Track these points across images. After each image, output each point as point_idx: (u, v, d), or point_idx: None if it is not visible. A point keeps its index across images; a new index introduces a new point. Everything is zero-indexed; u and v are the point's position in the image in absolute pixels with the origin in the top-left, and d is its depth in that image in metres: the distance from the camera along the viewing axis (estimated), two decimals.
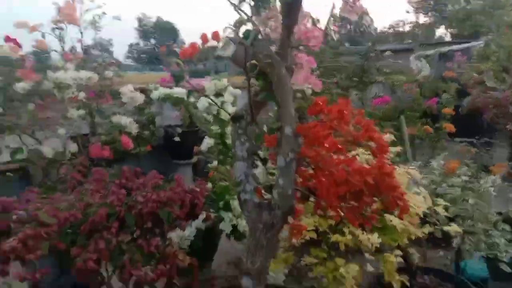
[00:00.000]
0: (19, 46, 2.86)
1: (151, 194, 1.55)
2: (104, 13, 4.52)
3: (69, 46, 4.08)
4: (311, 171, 1.21)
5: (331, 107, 1.32)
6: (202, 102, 1.98)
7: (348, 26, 63.68)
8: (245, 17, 1.10)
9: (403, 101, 4.58)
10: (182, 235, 2.08)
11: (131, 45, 61.93)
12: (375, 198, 1.27)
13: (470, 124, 3.94)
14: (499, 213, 2.47)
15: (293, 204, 1.18)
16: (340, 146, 1.20)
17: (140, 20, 61.47)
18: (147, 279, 1.38)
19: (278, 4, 1.27)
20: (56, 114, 2.19)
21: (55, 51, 4.06)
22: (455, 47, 6.74)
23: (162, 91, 2.43)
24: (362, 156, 1.99)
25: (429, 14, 25.28)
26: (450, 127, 3.62)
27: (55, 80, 1.99)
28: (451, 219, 2.33)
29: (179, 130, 4.79)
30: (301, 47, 1.38)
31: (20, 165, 3.40)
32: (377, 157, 1.35)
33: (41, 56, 4.60)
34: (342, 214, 1.51)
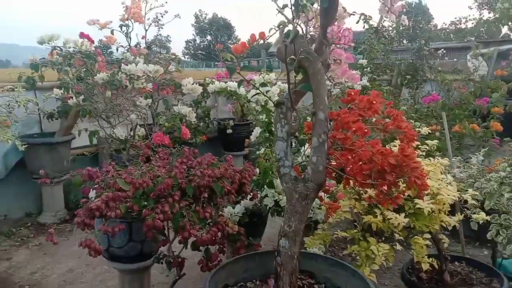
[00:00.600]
0: (92, 41, 3.26)
1: (207, 170, 1.83)
2: (166, 11, 4.93)
3: (135, 42, 4.52)
4: (341, 152, 1.43)
5: (362, 97, 1.52)
6: (251, 93, 2.22)
7: (407, 22, 61.36)
8: (287, 19, 1.33)
9: (451, 100, 4.58)
10: (232, 211, 2.36)
11: (188, 42, 63.84)
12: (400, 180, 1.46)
13: None
14: None
15: (324, 178, 1.40)
16: (366, 131, 1.40)
17: (196, 16, 63.17)
18: (203, 239, 1.66)
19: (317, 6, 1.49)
20: (128, 102, 2.55)
21: (122, 46, 4.52)
22: None
23: (217, 85, 2.71)
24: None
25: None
26: (497, 126, 3.63)
27: (127, 71, 2.32)
28: (487, 213, 2.43)
29: (232, 123, 5.11)
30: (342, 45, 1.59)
31: (92, 149, 3.87)
32: (404, 143, 1.54)
33: (104, 50, 5.08)
34: (373, 194, 1.72)
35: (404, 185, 1.47)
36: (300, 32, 1.48)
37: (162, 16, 4.79)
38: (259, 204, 2.33)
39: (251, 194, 2.17)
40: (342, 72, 1.75)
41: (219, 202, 1.87)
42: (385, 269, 3.29)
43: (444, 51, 7.67)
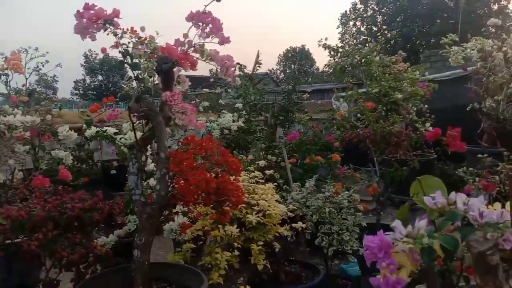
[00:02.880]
0: None
1: (78, 203, 2.21)
2: (47, 61, 5.15)
3: (15, 89, 4.68)
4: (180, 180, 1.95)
5: (195, 141, 2.08)
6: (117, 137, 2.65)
7: (293, 66, 66.25)
8: (131, 88, 1.85)
9: (308, 137, 5.48)
10: (106, 240, 2.72)
11: (77, 82, 61.27)
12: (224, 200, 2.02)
13: (362, 155, 4.87)
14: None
15: (165, 201, 1.90)
16: (195, 165, 1.94)
17: (86, 56, 61.25)
18: (73, 259, 2.02)
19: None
20: (6, 149, 2.80)
21: (1, 94, 4.66)
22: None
23: (94, 130, 3.08)
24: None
25: None
26: (336, 157, 4.52)
27: (6, 122, 2.61)
28: (315, 224, 3.14)
29: (116, 163, 5.40)
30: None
31: None
32: (232, 173, 2.12)
33: None
34: (212, 212, 2.25)
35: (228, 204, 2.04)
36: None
37: (43, 65, 4.99)
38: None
39: (121, 224, 2.57)
40: (189, 121, 2.30)
41: (89, 230, 2.24)
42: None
43: (308, 95, 8.86)
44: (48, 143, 3.58)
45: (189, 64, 2.01)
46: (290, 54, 64.42)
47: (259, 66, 7.85)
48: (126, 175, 3.64)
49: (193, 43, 2.07)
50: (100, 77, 61.43)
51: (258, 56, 7.60)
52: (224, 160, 2.13)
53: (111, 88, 60.32)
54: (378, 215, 3.61)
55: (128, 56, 1.76)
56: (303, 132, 6.75)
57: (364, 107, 3.63)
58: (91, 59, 61.26)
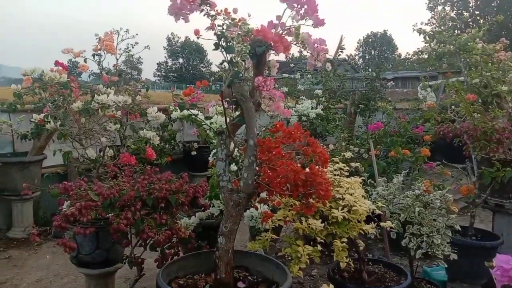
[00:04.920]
0: (66, 68, 3.63)
1: (165, 185, 2.23)
2: (136, 43, 5.36)
3: (105, 69, 4.93)
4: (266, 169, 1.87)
5: (284, 128, 1.98)
6: (207, 122, 2.63)
7: (373, 52, 63.80)
8: (224, 71, 1.79)
9: (390, 128, 5.17)
10: (188, 222, 2.75)
11: (159, 64, 64.30)
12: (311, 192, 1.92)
13: (454, 150, 4.48)
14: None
15: (252, 189, 1.84)
16: (284, 154, 1.85)
17: (169, 39, 63.92)
18: (159, 240, 2.04)
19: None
20: (99, 127, 2.93)
21: (94, 74, 4.92)
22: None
23: (185, 112, 3.10)
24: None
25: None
26: (425, 152, 4.19)
27: (100, 101, 2.72)
28: (403, 224, 2.92)
29: (196, 145, 5.52)
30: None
31: (63, 168, 4.19)
32: (319, 164, 2.01)
33: (77, 76, 5.47)
34: (297, 204, 2.16)
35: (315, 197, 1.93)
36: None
37: (133, 47, 5.20)
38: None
39: (204, 207, 2.58)
40: (276, 108, 2.21)
41: (174, 211, 2.26)
42: (319, 276, 3.75)
43: (393, 83, 8.39)
44: (135, 122, 3.72)
45: (283, 48, 1.90)
46: (370, 40, 61.97)
47: (341, 51, 7.55)
48: (209, 157, 3.70)
49: (285, 26, 1.97)
50: (181, 60, 63.87)
51: (341, 40, 7.30)
52: (312, 150, 2.01)
53: (191, 71, 62.58)
54: (472, 218, 3.29)
55: (222, 39, 1.70)
56: (386, 122, 6.41)
57: (464, 98, 3.29)
58: (173, 42, 63.81)
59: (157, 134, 4.08)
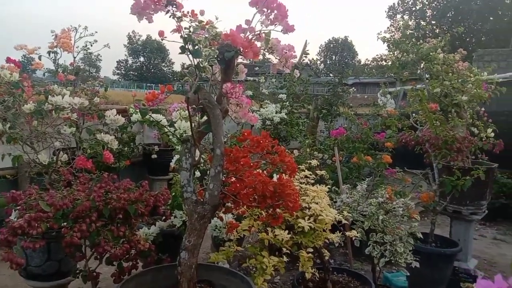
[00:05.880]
0: (19, 66, 3.39)
1: (123, 194, 2.09)
2: (95, 40, 5.12)
3: (62, 67, 4.67)
4: (233, 180, 1.79)
5: (252, 137, 1.91)
6: (171, 129, 2.52)
7: (334, 57, 65.15)
8: (190, 77, 1.69)
9: (352, 133, 5.22)
10: (147, 231, 2.62)
11: (119, 62, 62.71)
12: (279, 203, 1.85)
13: (414, 157, 4.57)
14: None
15: (218, 201, 1.75)
16: (252, 164, 1.77)
17: (130, 37, 62.45)
18: (116, 254, 1.91)
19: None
20: (52, 130, 2.73)
21: (50, 72, 4.67)
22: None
23: (147, 117, 2.96)
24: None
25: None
26: (387, 158, 4.24)
27: (54, 103, 2.53)
28: (367, 232, 2.92)
29: (157, 148, 5.34)
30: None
31: (12, 172, 3.92)
32: (287, 173, 1.95)
33: (31, 73, 5.17)
34: (263, 214, 2.09)
35: (282, 207, 1.86)
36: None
37: (91, 45, 4.96)
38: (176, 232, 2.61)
39: (164, 215, 2.46)
40: (243, 115, 2.14)
41: (133, 222, 2.13)
42: (290, 283, 3.71)
43: (355, 89, 8.52)
44: (92, 124, 3.52)
45: (252, 54, 1.83)
46: (332, 45, 63.16)
47: (305, 56, 7.58)
48: (170, 161, 3.56)
49: (255, 30, 1.90)
50: (142, 59, 62.55)
51: (305, 45, 7.33)
52: (280, 159, 1.95)
53: (152, 70, 61.39)
54: (432, 225, 3.35)
55: (189, 42, 1.60)
56: (347, 127, 6.47)
57: (426, 107, 3.34)
58: (134, 41, 62.42)
59: (115, 136, 3.90)
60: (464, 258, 3.62)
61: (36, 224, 1.83)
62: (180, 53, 1.64)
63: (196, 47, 1.64)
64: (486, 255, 4.58)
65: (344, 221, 2.51)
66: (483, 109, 4.12)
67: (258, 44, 1.92)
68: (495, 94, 4.04)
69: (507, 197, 5.91)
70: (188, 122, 2.68)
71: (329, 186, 2.64)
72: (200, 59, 1.63)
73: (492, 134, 3.89)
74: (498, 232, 5.56)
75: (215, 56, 1.67)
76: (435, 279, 3.07)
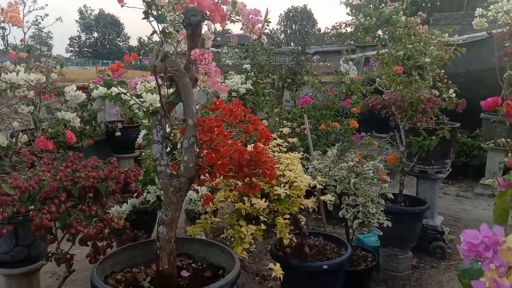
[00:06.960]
0: None
1: (92, 172, 2.00)
2: (46, 14, 4.82)
3: (12, 45, 4.37)
4: (207, 151, 1.74)
5: (224, 106, 1.85)
6: (132, 102, 2.42)
7: (294, 27, 64.85)
8: (156, 44, 1.60)
9: (319, 101, 5.25)
10: (120, 210, 2.54)
11: (72, 38, 59.84)
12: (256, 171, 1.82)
13: (381, 121, 4.65)
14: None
15: (194, 173, 1.70)
16: (226, 133, 1.73)
17: (81, 12, 59.50)
18: (89, 234, 1.84)
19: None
20: (9, 109, 2.56)
21: None
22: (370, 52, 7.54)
23: (102, 90, 2.84)
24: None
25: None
26: (354, 124, 4.31)
27: (8, 80, 2.36)
28: (339, 196, 2.97)
29: (120, 125, 5.16)
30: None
31: None
32: (261, 142, 1.91)
33: None
34: (239, 184, 2.06)
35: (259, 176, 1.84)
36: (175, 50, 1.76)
37: (42, 19, 4.66)
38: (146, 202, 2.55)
39: (137, 192, 2.39)
40: (212, 84, 2.07)
41: (104, 201, 2.06)
42: (266, 251, 3.75)
43: (318, 57, 8.52)
44: (49, 102, 3.33)
45: (220, 18, 1.75)
46: (291, 14, 62.71)
47: (267, 25, 7.47)
48: (135, 138, 3.45)
49: None
50: (95, 34, 59.95)
51: (267, 13, 7.20)
52: (254, 128, 1.92)
53: (107, 46, 59.03)
54: (401, 186, 3.45)
55: (153, 6, 1.50)
56: (313, 96, 6.49)
57: (392, 70, 3.37)
58: (86, 15, 59.56)
59: (76, 115, 3.73)
60: (431, 215, 3.77)
61: (1, 209, 1.73)
62: (143, 19, 1.54)
63: (160, 12, 1.54)
64: (451, 212, 4.80)
65: (318, 186, 2.52)
66: (442, 71, 4.21)
67: (225, 8, 1.84)
68: (456, 56, 4.14)
69: (467, 155, 6.18)
70: (154, 95, 2.59)
71: (302, 153, 2.64)
72: (165, 25, 1.54)
73: (454, 95, 4.00)
74: (460, 189, 5.84)
75: (181, 21, 1.58)
76: (405, 236, 3.19)
